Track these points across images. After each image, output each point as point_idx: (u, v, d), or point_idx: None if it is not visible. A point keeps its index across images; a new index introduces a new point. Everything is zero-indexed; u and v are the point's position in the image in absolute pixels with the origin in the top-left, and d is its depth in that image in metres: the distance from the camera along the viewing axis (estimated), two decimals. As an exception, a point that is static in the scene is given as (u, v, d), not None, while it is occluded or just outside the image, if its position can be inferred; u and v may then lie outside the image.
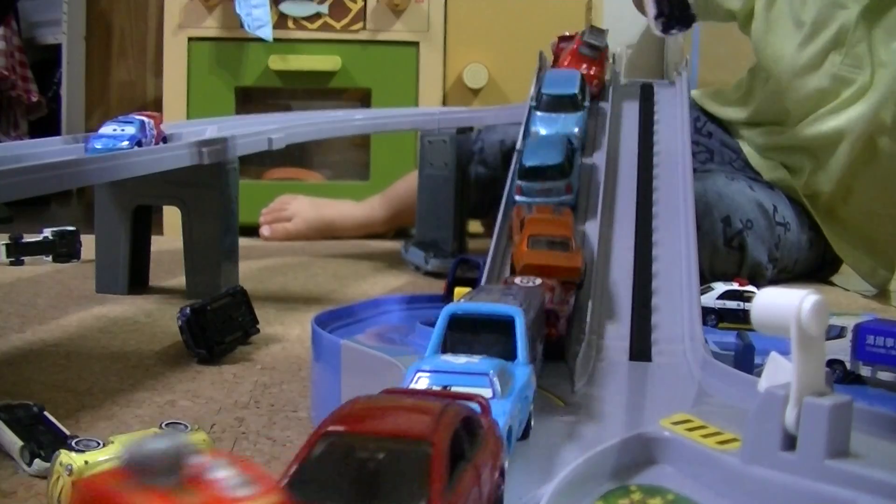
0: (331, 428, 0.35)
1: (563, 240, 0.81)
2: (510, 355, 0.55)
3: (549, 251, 0.80)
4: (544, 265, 0.78)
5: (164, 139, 1.19)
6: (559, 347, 0.71)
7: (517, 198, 0.93)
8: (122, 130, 1.11)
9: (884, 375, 0.83)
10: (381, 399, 0.41)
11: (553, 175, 0.93)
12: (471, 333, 0.56)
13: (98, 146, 1.08)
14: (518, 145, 1.02)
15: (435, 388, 0.48)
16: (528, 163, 0.94)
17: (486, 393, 0.47)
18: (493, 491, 0.40)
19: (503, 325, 0.56)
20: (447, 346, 0.56)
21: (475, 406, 0.43)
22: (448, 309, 0.57)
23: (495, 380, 0.49)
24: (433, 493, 0.33)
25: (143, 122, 1.14)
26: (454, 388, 0.48)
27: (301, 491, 0.33)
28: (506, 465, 0.44)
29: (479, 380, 0.49)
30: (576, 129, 1.01)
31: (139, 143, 1.12)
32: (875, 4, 1.45)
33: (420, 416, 0.37)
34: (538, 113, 1.04)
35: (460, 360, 0.51)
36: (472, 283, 0.87)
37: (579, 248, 0.82)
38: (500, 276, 0.84)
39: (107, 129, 1.12)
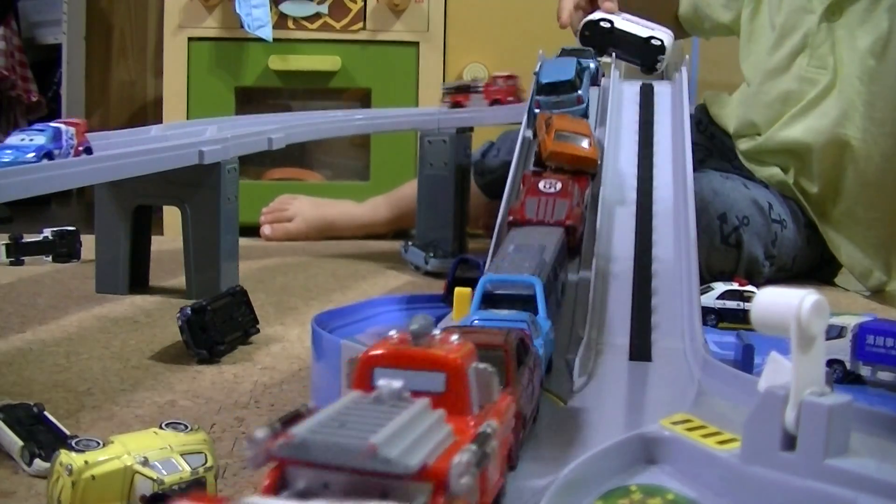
0: None
1: (583, 135, 0.96)
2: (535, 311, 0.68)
3: (571, 143, 0.95)
4: (568, 153, 0.93)
5: (89, 150, 1.02)
6: (578, 248, 0.86)
7: (536, 110, 1.06)
8: (31, 140, 0.95)
9: (884, 375, 0.83)
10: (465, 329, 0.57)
11: (566, 89, 1.06)
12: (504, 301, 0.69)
13: (5, 159, 0.92)
14: (519, 142, 1.03)
15: None
16: (544, 79, 1.08)
17: None
18: (537, 388, 0.58)
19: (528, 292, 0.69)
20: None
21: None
22: (483, 280, 0.70)
23: (531, 325, 0.63)
24: (508, 380, 0.50)
25: (57, 131, 0.98)
26: None
27: None
28: (542, 377, 0.62)
29: (519, 325, 0.61)
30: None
31: (49, 155, 0.95)
32: (836, 4, 1.46)
33: (494, 336, 0.53)
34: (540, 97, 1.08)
35: (503, 312, 0.65)
36: (472, 283, 0.87)
37: (594, 143, 0.97)
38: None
39: (13, 140, 0.96)
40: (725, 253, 1.43)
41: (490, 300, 0.69)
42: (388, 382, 0.38)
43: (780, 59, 1.52)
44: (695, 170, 0.97)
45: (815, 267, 1.61)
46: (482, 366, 0.43)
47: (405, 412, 0.36)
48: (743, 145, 1.61)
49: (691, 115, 1.11)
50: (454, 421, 0.39)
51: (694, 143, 1.02)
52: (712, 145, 1.68)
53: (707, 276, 1.12)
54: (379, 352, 0.42)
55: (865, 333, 0.84)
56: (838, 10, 1.46)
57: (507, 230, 0.85)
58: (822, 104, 1.48)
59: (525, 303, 0.68)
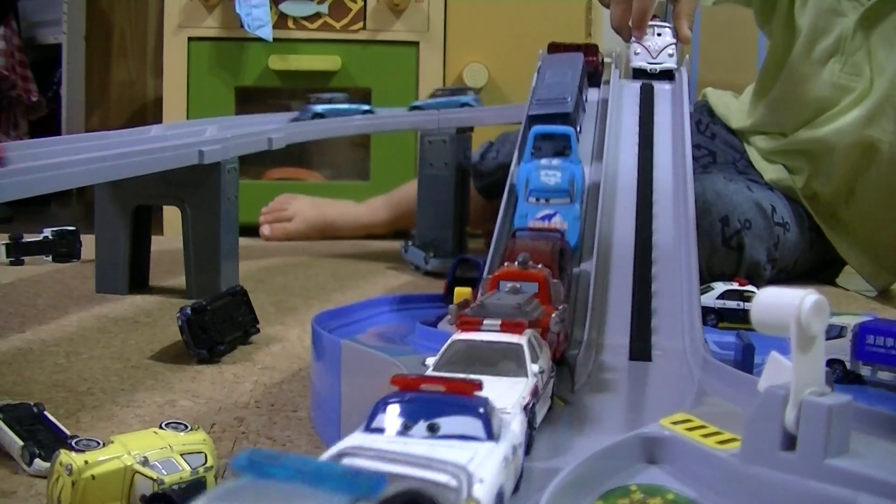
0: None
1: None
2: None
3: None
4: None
5: (2, 161, 0.92)
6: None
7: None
8: None
9: (884, 375, 0.83)
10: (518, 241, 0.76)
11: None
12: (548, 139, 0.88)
13: None
14: (515, 156, 1.02)
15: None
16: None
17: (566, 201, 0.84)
18: (571, 274, 0.80)
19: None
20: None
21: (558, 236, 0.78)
22: (533, 130, 0.89)
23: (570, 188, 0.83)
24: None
25: None
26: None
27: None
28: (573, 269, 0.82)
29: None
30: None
31: None
32: (872, 11, 1.45)
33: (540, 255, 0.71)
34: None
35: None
36: (473, 282, 0.87)
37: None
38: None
39: None
40: (727, 255, 1.43)
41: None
42: (507, 284, 0.66)
43: (811, 63, 1.49)
44: (697, 173, 0.97)
45: (817, 268, 1.61)
46: (555, 281, 0.68)
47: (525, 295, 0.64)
48: (761, 143, 1.60)
49: (691, 115, 1.10)
50: (545, 306, 0.65)
51: (696, 146, 1.02)
52: (714, 146, 1.68)
53: (708, 278, 1.12)
54: (502, 271, 0.67)
55: (865, 333, 0.84)
56: (873, 16, 1.44)
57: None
58: (853, 109, 1.46)
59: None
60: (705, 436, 0.51)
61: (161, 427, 0.58)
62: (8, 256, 1.49)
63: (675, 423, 0.53)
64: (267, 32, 2.00)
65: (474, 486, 0.35)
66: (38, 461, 0.63)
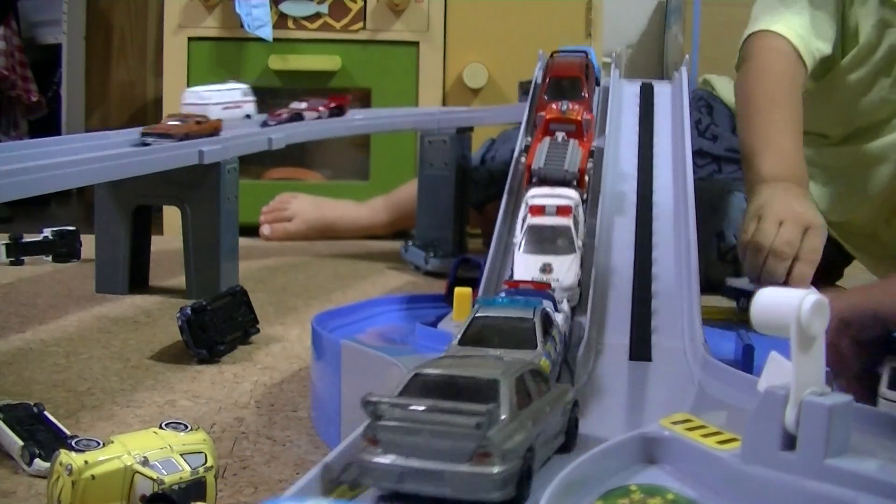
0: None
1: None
2: None
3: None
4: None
5: None
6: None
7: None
8: None
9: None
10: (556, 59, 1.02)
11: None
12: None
13: None
14: (519, 143, 1.02)
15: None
16: None
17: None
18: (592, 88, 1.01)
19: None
20: None
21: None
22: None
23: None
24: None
25: None
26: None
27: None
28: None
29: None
30: None
31: None
32: None
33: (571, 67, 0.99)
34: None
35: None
36: (473, 282, 0.87)
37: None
38: (500, 277, 0.84)
39: None
40: (723, 269, 1.42)
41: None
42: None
43: (860, 74, 1.41)
44: (696, 181, 0.96)
45: (820, 276, 1.59)
46: (587, 117, 0.89)
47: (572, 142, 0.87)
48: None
49: (690, 114, 1.10)
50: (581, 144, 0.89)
51: (698, 153, 1.00)
52: (717, 150, 1.65)
53: (705, 286, 1.11)
54: (551, 115, 0.90)
55: None
56: None
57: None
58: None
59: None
60: (705, 436, 0.51)
61: (161, 427, 0.58)
62: (8, 256, 1.49)
63: (675, 423, 0.53)
64: (267, 32, 2.00)
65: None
66: (38, 461, 0.63)
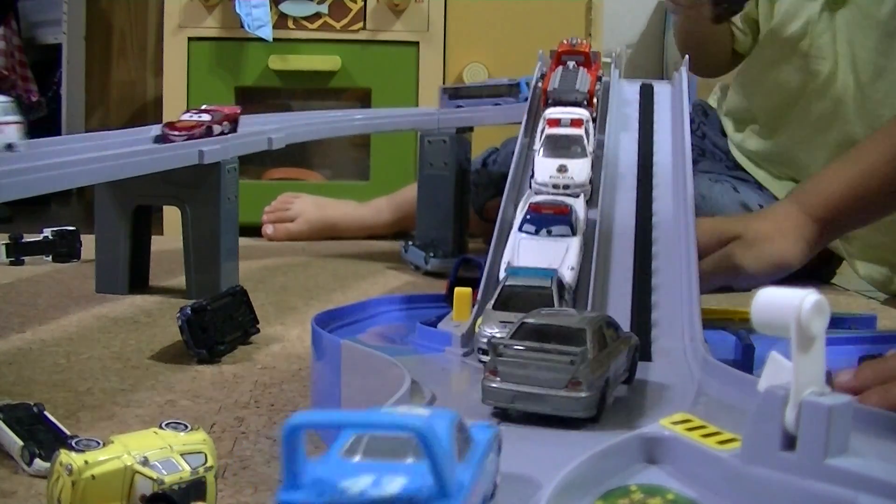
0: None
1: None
2: None
3: None
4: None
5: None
6: None
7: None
8: None
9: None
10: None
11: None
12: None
13: None
14: (519, 142, 1.02)
15: None
16: None
17: None
18: None
19: None
20: None
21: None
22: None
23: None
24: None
25: None
26: None
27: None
28: None
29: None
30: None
31: None
32: None
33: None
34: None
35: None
36: (474, 283, 0.87)
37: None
38: (499, 277, 0.84)
39: None
40: None
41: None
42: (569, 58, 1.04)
43: (779, 46, 1.49)
44: None
45: (813, 267, 1.60)
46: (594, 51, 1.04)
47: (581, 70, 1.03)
48: (748, 145, 1.59)
49: (690, 116, 1.10)
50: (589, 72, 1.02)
51: None
52: (704, 145, 1.68)
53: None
54: (563, 48, 1.03)
55: None
56: (840, 1, 1.44)
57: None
58: (825, 99, 1.46)
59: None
60: (705, 436, 0.51)
61: (161, 427, 0.58)
62: (8, 256, 1.49)
63: (675, 423, 0.53)
64: (267, 32, 2.00)
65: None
66: (38, 461, 0.63)
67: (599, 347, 0.61)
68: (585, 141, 0.93)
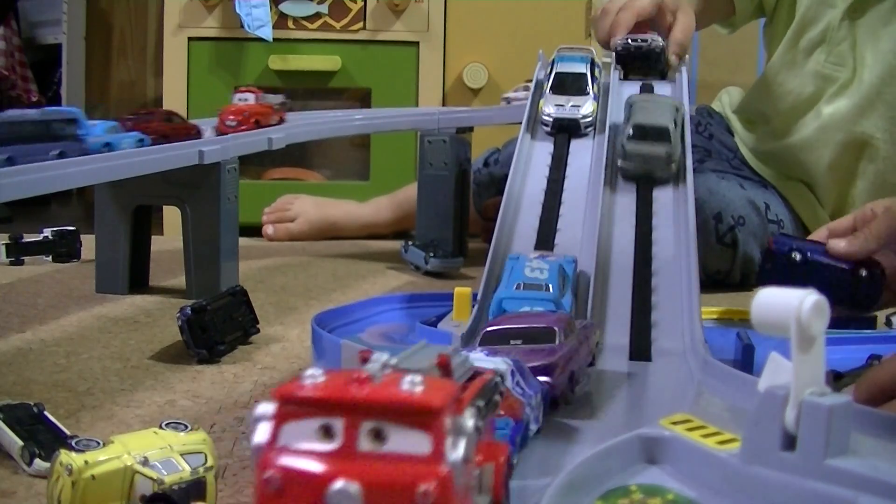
0: None
1: None
2: None
3: None
4: None
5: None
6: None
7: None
8: None
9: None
10: None
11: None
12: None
13: None
14: (519, 141, 1.03)
15: None
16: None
17: None
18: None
19: None
20: None
21: None
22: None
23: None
24: None
25: None
26: None
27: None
28: None
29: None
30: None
31: None
32: (860, 3, 1.43)
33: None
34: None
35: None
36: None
37: None
38: (499, 277, 0.84)
39: None
40: (721, 253, 1.43)
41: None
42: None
43: (797, 51, 1.49)
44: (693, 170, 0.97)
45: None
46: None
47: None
48: (763, 145, 1.59)
49: (691, 116, 1.10)
50: None
51: (692, 145, 1.02)
52: (710, 145, 1.68)
53: (703, 276, 1.12)
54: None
55: None
56: (861, 7, 1.43)
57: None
58: (837, 101, 1.45)
59: None
60: (705, 436, 0.51)
61: (161, 427, 0.58)
62: (8, 256, 1.49)
63: (675, 423, 0.53)
64: (267, 32, 2.00)
65: None
66: (38, 461, 0.63)
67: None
68: (589, 80, 1.07)
